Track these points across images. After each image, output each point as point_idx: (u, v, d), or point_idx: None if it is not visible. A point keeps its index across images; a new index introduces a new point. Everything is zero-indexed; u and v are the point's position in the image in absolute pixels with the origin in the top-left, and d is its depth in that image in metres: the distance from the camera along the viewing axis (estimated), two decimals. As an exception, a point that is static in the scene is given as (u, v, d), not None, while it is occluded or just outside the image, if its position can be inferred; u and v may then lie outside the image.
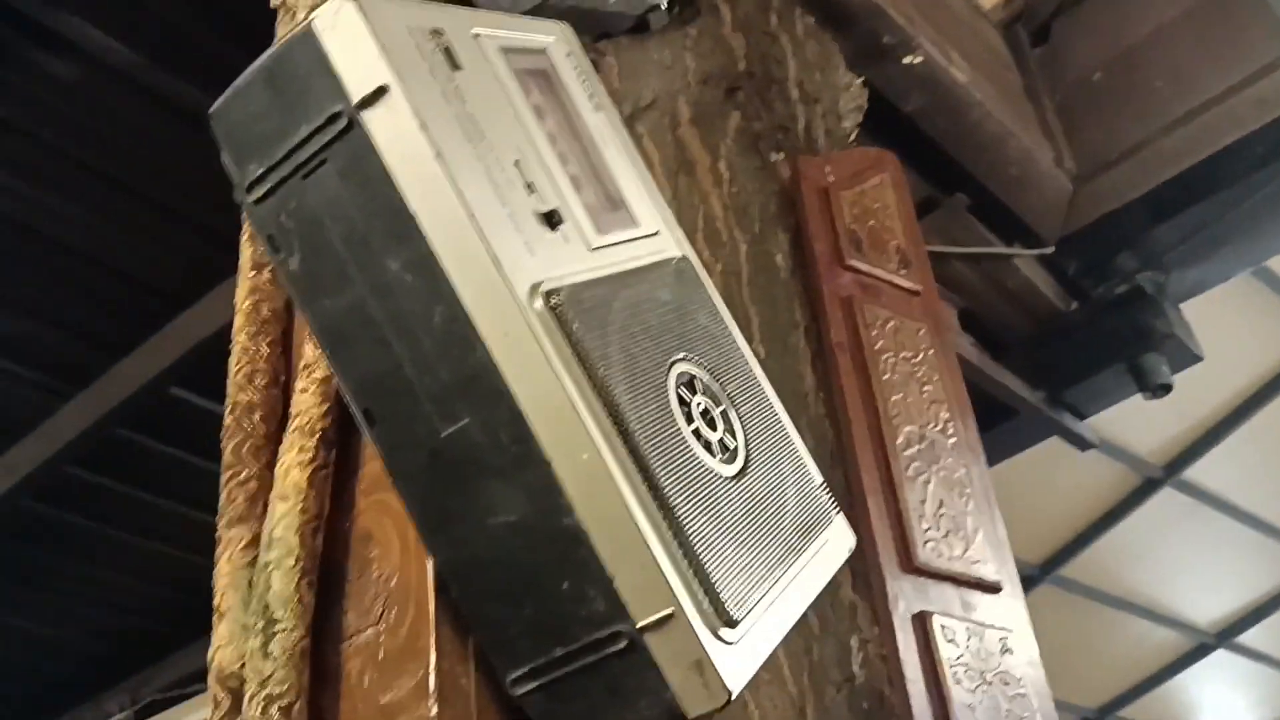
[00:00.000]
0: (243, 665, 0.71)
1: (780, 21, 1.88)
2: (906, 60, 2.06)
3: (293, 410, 0.79)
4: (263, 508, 0.79)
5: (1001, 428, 2.86)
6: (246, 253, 0.91)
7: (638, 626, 0.62)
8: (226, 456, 0.81)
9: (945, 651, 1.34)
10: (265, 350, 0.87)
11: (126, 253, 2.60)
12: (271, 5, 1.01)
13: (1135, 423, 4.38)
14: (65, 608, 3.85)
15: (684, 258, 0.82)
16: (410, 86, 0.64)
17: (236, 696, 0.71)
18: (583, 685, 0.65)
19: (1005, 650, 1.40)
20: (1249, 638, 6.01)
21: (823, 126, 1.89)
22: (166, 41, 2.22)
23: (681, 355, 0.73)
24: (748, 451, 0.74)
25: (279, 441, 0.84)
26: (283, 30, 0.99)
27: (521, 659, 0.66)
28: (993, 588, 1.45)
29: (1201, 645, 5.89)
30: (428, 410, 0.67)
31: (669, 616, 0.62)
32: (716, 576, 0.64)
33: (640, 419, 0.65)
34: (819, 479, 0.80)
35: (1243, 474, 5.14)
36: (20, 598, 3.78)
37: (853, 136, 2.01)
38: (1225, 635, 5.93)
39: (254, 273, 0.91)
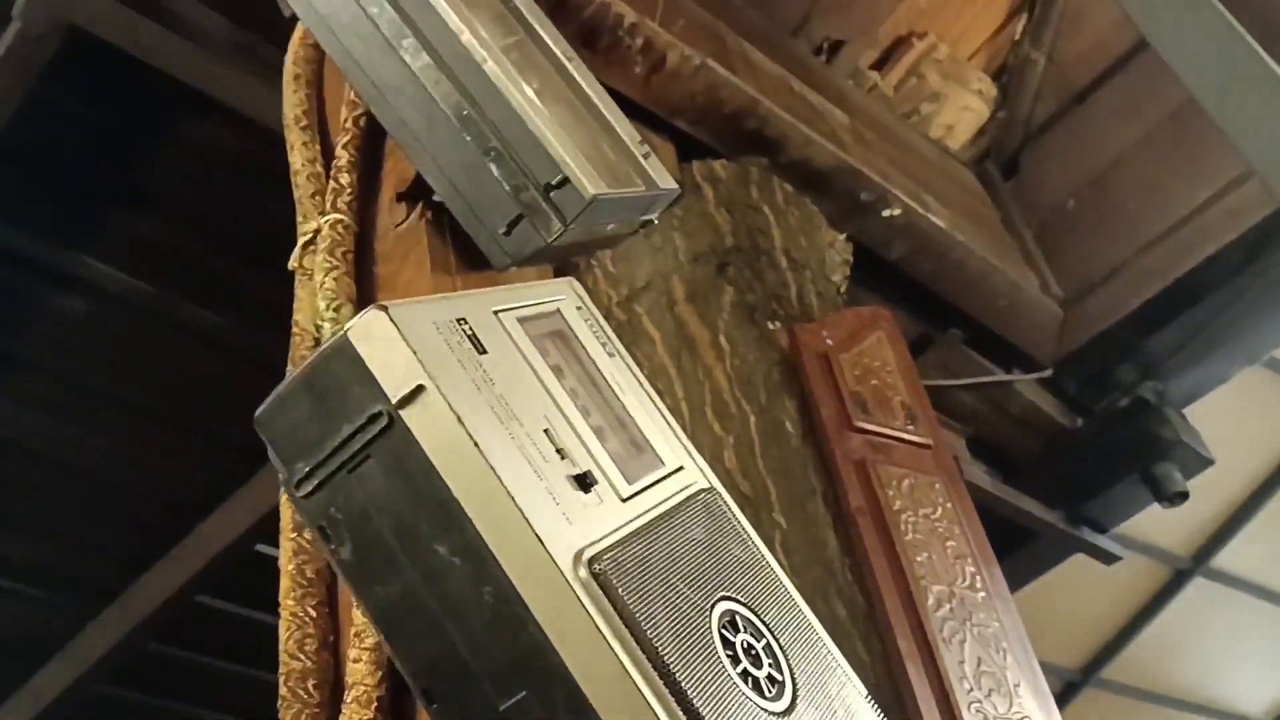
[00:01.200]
0: None
1: (761, 192, 1.96)
2: (886, 213, 2.14)
3: (348, 680, 0.81)
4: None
5: (1023, 551, 2.85)
6: (286, 514, 0.95)
7: None
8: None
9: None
10: (313, 614, 0.90)
11: (143, 472, 2.65)
12: (290, 267, 1.07)
13: (1157, 516, 4.36)
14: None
15: (709, 488, 0.85)
16: (444, 382, 0.68)
17: None
18: None
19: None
20: (1304, 721, 5.87)
21: (814, 289, 1.95)
22: (171, 269, 2.31)
23: (721, 594, 0.76)
24: (794, 681, 0.76)
25: (334, 707, 0.86)
26: (303, 291, 1.04)
27: None
28: (1043, 744, 1.44)
29: (1255, 734, 5.75)
30: (484, 688, 0.69)
31: None
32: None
33: (690, 675, 0.68)
34: (864, 691, 0.82)
35: (1270, 555, 5.09)
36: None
37: (843, 289, 2.08)
38: (1280, 720, 5.79)
39: (295, 534, 0.94)
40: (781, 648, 0.78)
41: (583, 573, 0.68)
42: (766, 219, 1.95)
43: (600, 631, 0.66)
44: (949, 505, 1.67)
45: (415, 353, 0.68)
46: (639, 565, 0.71)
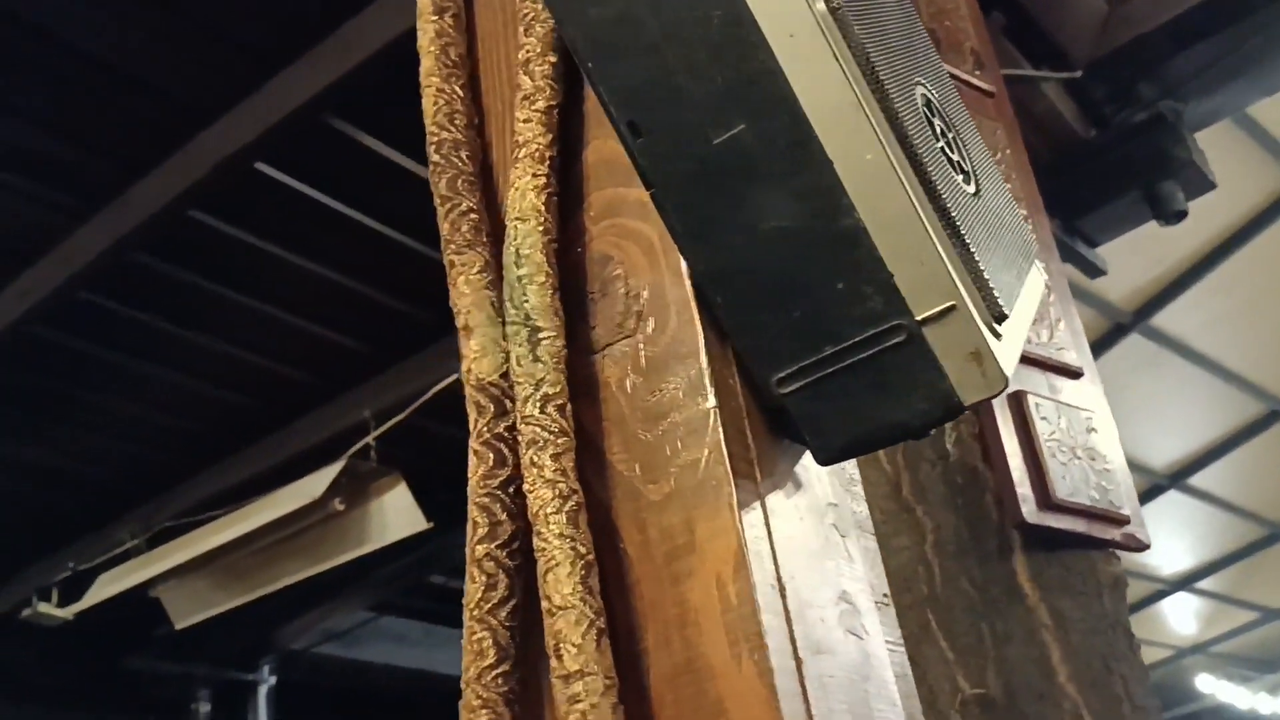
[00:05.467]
0: (501, 375, 0.74)
1: None
2: None
3: (519, 140, 0.79)
4: (487, 237, 0.80)
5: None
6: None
7: (917, 319, 0.65)
8: (442, 190, 0.82)
9: (1040, 428, 1.41)
10: (460, 93, 0.87)
11: (149, 63, 2.52)
12: None
13: (1113, 267, 4.47)
14: (77, 438, 3.86)
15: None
16: None
17: (498, 402, 0.74)
18: (850, 382, 0.68)
19: (1090, 429, 1.46)
20: (1199, 479, 6.27)
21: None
22: None
23: (918, 77, 0.75)
24: (976, 175, 0.77)
25: (485, 180, 0.85)
26: None
27: (787, 360, 0.69)
28: (1075, 373, 1.51)
29: (1154, 486, 6.14)
30: (699, 119, 0.68)
31: (949, 309, 0.65)
32: (989, 274, 0.67)
33: (913, 126, 0.67)
34: (1023, 213, 0.83)
35: (1207, 321, 5.27)
36: (32, 428, 3.78)
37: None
38: (1178, 477, 6.18)
39: (436, 17, 0.90)
40: (961, 141, 0.78)
41: (820, 5, 0.65)
42: None
43: (840, 63, 0.64)
44: (1008, 152, 1.67)
45: None
46: (870, 14, 0.69)
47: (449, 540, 4.39)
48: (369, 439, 3.47)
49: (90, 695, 5.53)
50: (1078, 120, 2.89)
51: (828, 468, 0.76)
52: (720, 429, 0.68)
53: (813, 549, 0.70)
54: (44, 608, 4.22)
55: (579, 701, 0.62)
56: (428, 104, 0.87)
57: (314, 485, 3.43)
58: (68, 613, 4.20)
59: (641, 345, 0.73)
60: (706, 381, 0.69)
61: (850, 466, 0.79)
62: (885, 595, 0.75)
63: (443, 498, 3.79)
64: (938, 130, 0.74)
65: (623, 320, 0.75)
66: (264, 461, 3.83)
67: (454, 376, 3.36)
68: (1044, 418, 1.42)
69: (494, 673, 0.67)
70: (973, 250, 0.67)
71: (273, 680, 5.50)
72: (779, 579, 0.65)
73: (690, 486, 0.68)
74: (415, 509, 3.53)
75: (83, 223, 2.87)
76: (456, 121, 0.86)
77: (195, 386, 3.65)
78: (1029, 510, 1.37)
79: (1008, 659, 1.36)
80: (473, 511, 0.72)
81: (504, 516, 0.71)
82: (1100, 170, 2.91)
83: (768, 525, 0.67)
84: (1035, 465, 1.39)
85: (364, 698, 6.49)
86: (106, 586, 3.99)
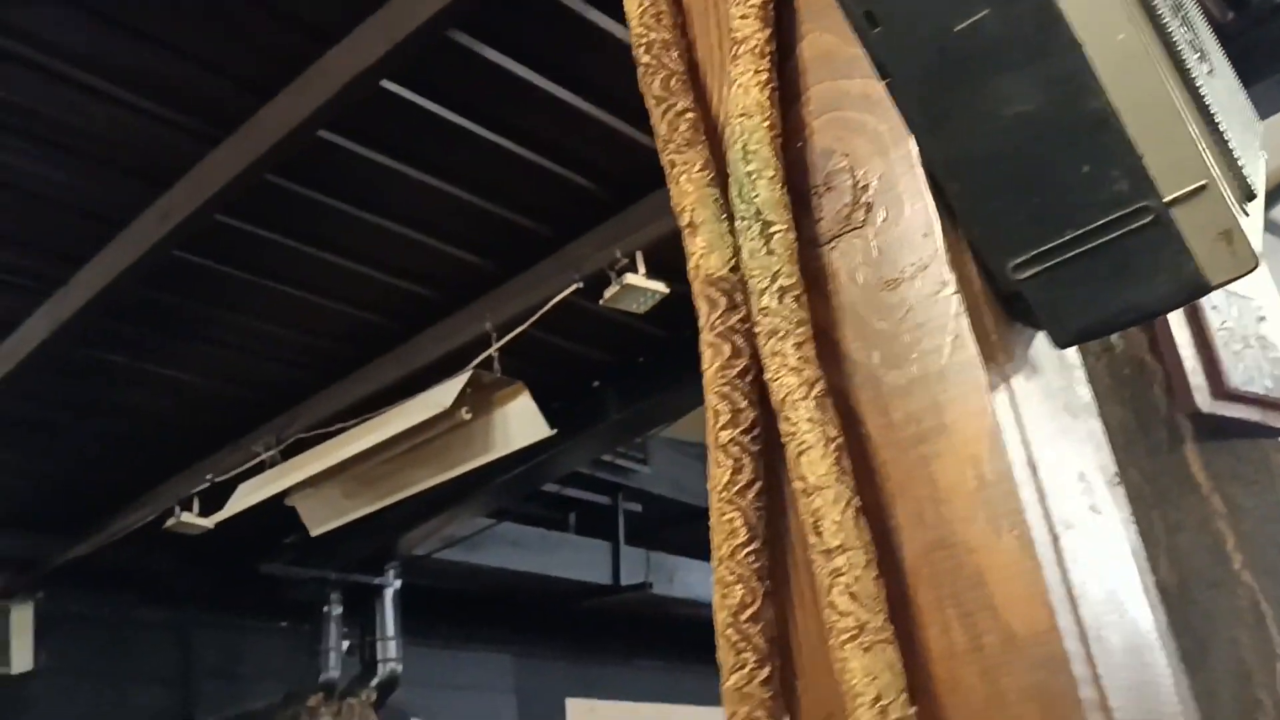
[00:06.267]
0: (730, 269, 0.76)
1: None
2: None
3: (737, 36, 0.80)
4: (705, 135, 0.82)
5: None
6: None
7: (1165, 201, 0.65)
8: (655, 91, 0.83)
9: (1211, 318, 1.39)
10: (662, -4, 0.88)
11: (279, -15, 2.56)
12: None
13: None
14: (214, 355, 4.02)
15: None
16: None
17: (728, 296, 0.76)
18: (1091, 266, 0.69)
19: (1260, 319, 1.44)
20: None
21: None
22: None
23: (1149, -43, 0.74)
24: (1208, 53, 0.76)
25: (695, 84, 0.86)
26: None
27: (1025, 247, 0.70)
28: (1245, 261, 1.48)
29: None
30: (938, 6, 0.68)
31: (1200, 189, 0.65)
32: (1238, 153, 0.67)
33: (1159, 4, 0.67)
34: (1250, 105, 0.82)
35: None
36: (169, 348, 3.94)
37: None
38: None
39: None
40: (1191, 18, 0.77)
41: (1064, -115, 0.65)
42: None
43: (1087, -60, 0.64)
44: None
45: None
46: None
47: (561, 450, 4.50)
48: (493, 349, 3.55)
49: (229, 599, 5.84)
50: (1215, 3, 2.77)
51: (1053, 352, 0.77)
52: (964, 314, 0.69)
53: (1053, 430, 0.71)
54: (186, 517, 4.44)
55: (842, 574, 0.65)
56: (632, 6, 0.88)
57: (442, 395, 3.53)
58: (209, 522, 4.41)
59: (872, 236, 0.75)
60: (945, 269, 0.70)
61: (1070, 351, 0.80)
62: (1115, 475, 0.76)
63: (555, 406, 3.87)
64: (1175, 8, 0.73)
65: (850, 213, 0.76)
66: (390, 375, 3.95)
67: (572, 287, 3.41)
68: (1214, 307, 1.39)
69: (745, 550, 0.71)
70: (1223, 130, 0.66)
71: (397, 583, 5.73)
72: (1030, 458, 0.67)
73: (935, 372, 0.70)
74: (538, 416, 3.61)
75: (216, 146, 2.95)
76: (663, 21, 0.87)
77: (325, 304, 3.76)
78: (1203, 399, 1.36)
79: (1180, 547, 1.36)
80: (712, 401, 0.74)
81: (744, 404, 0.74)
82: (1238, 54, 2.80)
83: (1014, 407, 0.68)
84: (1208, 355, 1.37)
85: (482, 599, 6.74)
86: (245, 496, 4.18)
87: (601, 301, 3.26)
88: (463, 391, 3.51)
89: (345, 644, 5.57)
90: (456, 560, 5.86)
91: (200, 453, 4.54)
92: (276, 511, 4.27)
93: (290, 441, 4.16)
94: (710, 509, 0.73)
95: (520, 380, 3.64)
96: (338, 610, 5.55)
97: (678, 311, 3.88)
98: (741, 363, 0.75)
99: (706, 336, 0.76)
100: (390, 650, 5.60)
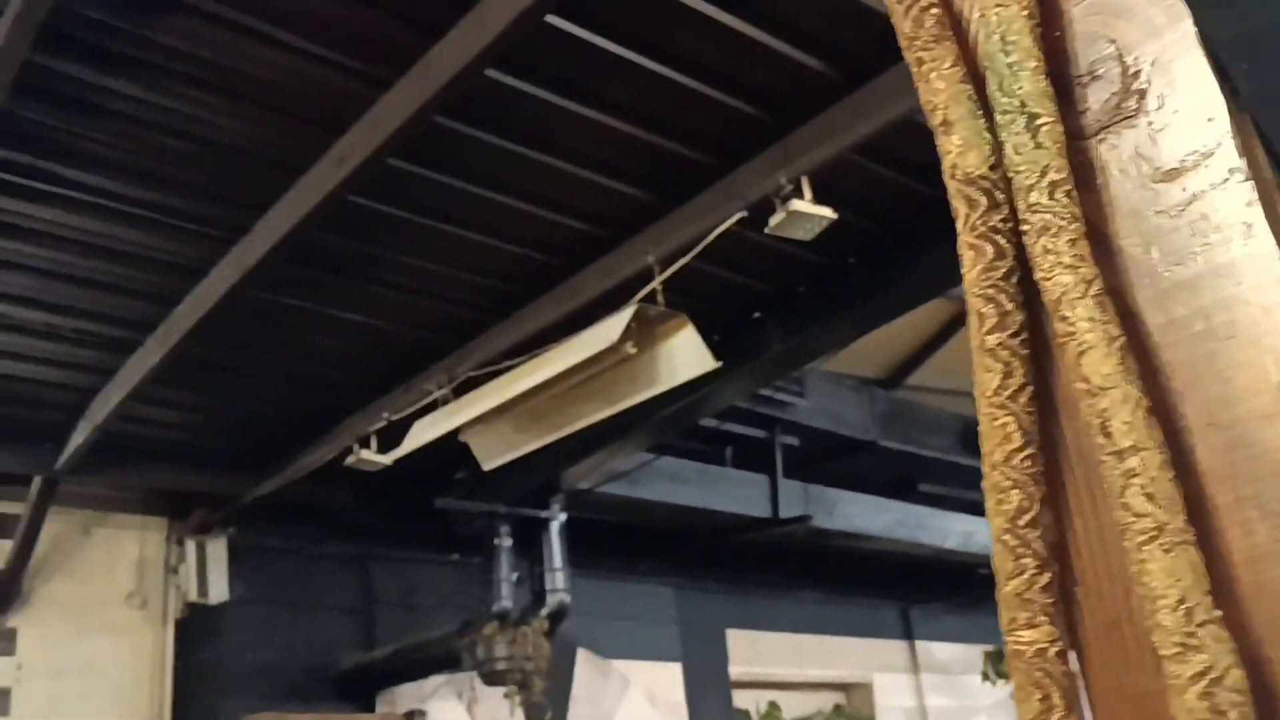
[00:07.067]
0: (990, 167, 0.73)
1: None
2: None
3: (988, -74, 0.77)
4: (952, 30, 0.79)
5: None
6: None
7: None
8: (896, -13, 0.80)
9: None
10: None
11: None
12: None
13: None
14: (387, 297, 4.15)
15: None
16: None
17: (989, 195, 0.73)
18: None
19: None
20: None
21: None
22: None
23: None
24: None
25: (936, -24, 0.83)
26: None
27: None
28: None
29: None
30: None
31: None
32: None
33: None
34: None
35: None
36: (345, 289, 4.09)
37: None
38: None
39: None
40: None
41: None
42: None
43: None
44: None
45: None
46: None
47: (721, 383, 4.50)
48: (656, 282, 3.56)
49: (405, 533, 6.09)
50: None
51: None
52: (1257, 204, 0.65)
53: (1356, 324, 0.67)
54: (365, 454, 4.63)
55: (1136, 476, 0.63)
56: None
57: (608, 330, 3.56)
58: (386, 458, 4.59)
59: (1146, 126, 0.71)
60: (1234, 155, 0.66)
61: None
62: None
63: (715, 339, 3.87)
64: None
65: (1120, 102, 0.72)
66: (555, 312, 4.01)
67: (736, 216, 3.39)
68: None
69: (1021, 455, 0.69)
70: None
71: (563, 517, 5.88)
72: (1337, 352, 0.63)
73: (1224, 265, 0.66)
74: (703, 349, 3.61)
75: (387, 88, 3.01)
76: (896, -79, 0.84)
77: (491, 244, 3.82)
78: None
79: None
80: (976, 304, 0.72)
81: (1010, 306, 0.71)
82: None
83: (1317, 300, 0.64)
84: None
85: (644, 533, 6.85)
86: (420, 433, 4.32)
87: (767, 229, 3.22)
88: (628, 325, 3.53)
89: (515, 576, 5.76)
90: (618, 494, 5.96)
91: (377, 392, 4.71)
92: (448, 448, 4.41)
93: (461, 379, 4.28)
94: (979, 415, 0.71)
95: (685, 313, 3.64)
96: (507, 543, 5.72)
97: (840, 239, 3.82)
98: (1005, 264, 0.72)
99: (966, 238, 0.74)
100: (558, 581, 5.77)
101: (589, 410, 4.04)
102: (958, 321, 6.30)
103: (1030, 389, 0.70)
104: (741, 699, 7.59)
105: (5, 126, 3.05)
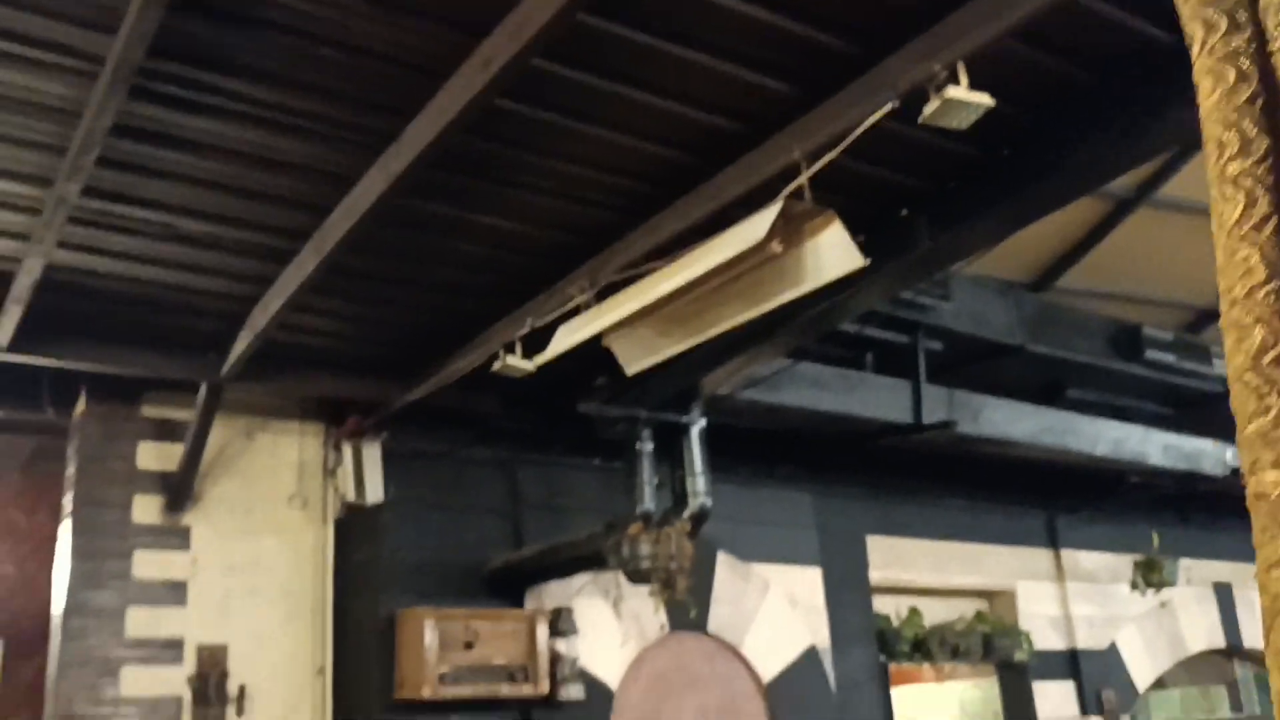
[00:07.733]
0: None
1: None
2: None
3: None
4: None
5: None
6: None
7: None
8: None
9: None
10: None
11: None
12: None
13: None
14: (529, 201, 4.18)
15: None
16: None
17: (1229, 17, 0.68)
18: None
19: None
20: None
21: None
22: None
23: None
24: None
25: None
26: None
27: None
28: None
29: None
30: None
31: None
32: None
33: None
34: None
35: None
36: (488, 194, 4.13)
37: None
38: None
39: None
40: None
41: None
42: None
43: None
44: None
45: None
46: None
47: (866, 283, 4.41)
48: (803, 178, 3.49)
49: (549, 438, 6.23)
50: None
51: None
52: None
53: None
54: (511, 360, 4.70)
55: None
56: None
57: (754, 228, 3.51)
58: (531, 364, 4.66)
59: None
60: None
61: None
62: None
63: (860, 238, 3.78)
64: None
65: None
66: (697, 212, 3.97)
67: (887, 106, 3.27)
68: None
69: (1265, 289, 0.65)
70: None
71: (703, 422, 5.91)
72: None
73: None
74: (851, 246, 3.54)
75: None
76: None
77: (633, 144, 3.80)
78: None
79: None
80: (1216, 132, 0.68)
81: (1255, 132, 0.66)
82: None
83: None
84: None
85: (783, 438, 6.85)
86: (564, 338, 4.37)
87: (921, 119, 3.11)
88: (775, 223, 3.48)
89: (656, 480, 5.83)
90: (758, 399, 5.95)
91: (521, 298, 4.78)
92: (590, 354, 4.45)
93: (604, 284, 4.30)
94: (1217, 249, 0.67)
95: (832, 209, 3.57)
96: (649, 447, 5.79)
97: (993, 130, 3.67)
98: (1249, 88, 0.67)
99: (1205, 62, 0.69)
100: (699, 485, 5.82)
101: (733, 312, 4.02)
102: (1108, 221, 6.04)
103: (1275, 220, 0.66)
104: (882, 604, 7.60)
105: (168, 41, 3.14)
